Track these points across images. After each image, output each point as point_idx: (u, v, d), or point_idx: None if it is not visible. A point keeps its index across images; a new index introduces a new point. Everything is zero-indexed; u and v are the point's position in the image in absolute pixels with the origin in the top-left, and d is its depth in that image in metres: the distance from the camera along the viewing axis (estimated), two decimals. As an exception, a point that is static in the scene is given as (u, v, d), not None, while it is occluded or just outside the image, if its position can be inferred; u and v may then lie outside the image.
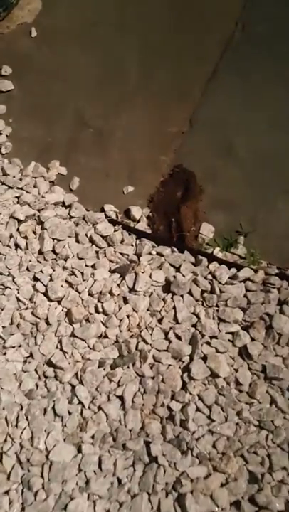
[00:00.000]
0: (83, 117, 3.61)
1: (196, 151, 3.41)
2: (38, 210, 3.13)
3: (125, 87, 3.69)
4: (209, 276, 2.91)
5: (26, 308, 2.88)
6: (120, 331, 2.79)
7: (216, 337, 2.73)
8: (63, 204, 3.21)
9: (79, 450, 2.57)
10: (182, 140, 3.47)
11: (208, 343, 2.71)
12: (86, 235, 3.07)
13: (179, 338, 2.74)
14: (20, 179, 3.25)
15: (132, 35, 3.86)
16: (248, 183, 3.28)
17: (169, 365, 2.70)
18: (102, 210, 3.22)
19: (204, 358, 2.66)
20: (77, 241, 3.06)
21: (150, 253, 3.03)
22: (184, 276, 2.91)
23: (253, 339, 2.71)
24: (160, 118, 3.54)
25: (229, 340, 2.74)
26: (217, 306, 2.81)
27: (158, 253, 3.02)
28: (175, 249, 3.03)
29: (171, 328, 2.76)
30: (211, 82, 3.66)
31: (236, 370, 2.67)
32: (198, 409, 2.59)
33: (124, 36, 3.87)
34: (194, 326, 2.78)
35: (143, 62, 3.75)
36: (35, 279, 2.93)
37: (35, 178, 3.30)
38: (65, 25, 4.01)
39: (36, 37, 4.01)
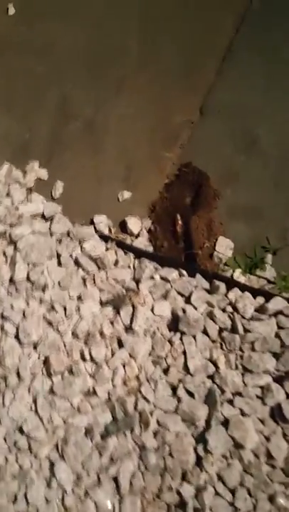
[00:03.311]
0: (70, 106, 2.95)
1: (208, 145, 2.74)
2: (10, 226, 2.45)
3: (122, 69, 3.02)
4: (229, 309, 2.25)
5: (-10, 358, 2.22)
6: (113, 386, 2.14)
7: (240, 394, 2.07)
8: (43, 216, 2.55)
9: None
10: (191, 132, 2.80)
11: (231, 402, 2.06)
12: (71, 255, 2.42)
13: (191, 395, 2.09)
14: (-11, 186, 2.59)
15: (130, 8, 3.17)
16: (277, 185, 2.59)
17: (179, 432, 2.04)
18: (92, 222, 2.55)
19: (225, 423, 2.00)
20: (60, 264, 2.41)
21: (152, 277, 2.37)
22: (195, 308, 2.24)
23: (289, 396, 2.02)
24: (164, 106, 2.88)
25: (258, 397, 2.07)
26: (241, 350, 2.14)
27: (162, 277, 2.36)
28: (184, 273, 2.37)
29: (180, 381, 2.11)
30: (226, 62, 2.96)
31: (267, 439, 2.01)
32: (217, 494, 1.94)
33: (120, 9, 3.18)
34: (211, 377, 2.12)
35: (144, 39, 3.08)
36: (3, 317, 2.27)
37: (9, 184, 2.64)
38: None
39: (14, 15, 3.36)
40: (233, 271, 2.39)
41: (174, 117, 2.83)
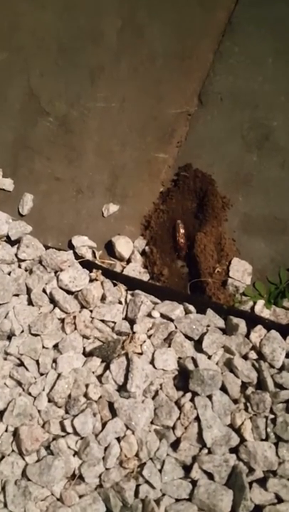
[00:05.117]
0: (39, 101, 2.42)
1: (211, 142, 2.24)
2: None
3: (102, 54, 2.49)
4: (253, 355, 1.75)
5: None
6: (106, 469, 1.61)
7: (274, 472, 1.56)
8: (8, 239, 2.03)
9: None
10: (189, 127, 2.30)
11: (263, 484, 1.55)
12: (44, 290, 1.90)
13: (210, 476, 1.59)
14: None
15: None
16: (300, 188, 2.11)
17: (196, 529, 1.52)
18: (71, 245, 2.04)
19: (258, 515, 1.49)
20: (30, 302, 1.88)
21: (150, 315, 1.85)
22: (209, 357, 1.72)
23: None
24: (153, 96, 2.37)
25: (298, 475, 1.57)
26: (272, 412, 1.63)
27: (163, 315, 1.85)
28: (191, 308, 1.86)
29: (194, 458, 1.60)
30: (225, 38, 2.45)
31: (315, 533, 1.50)
32: None
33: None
34: (235, 452, 1.62)
35: (127, 17, 2.56)
36: None
37: None
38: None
39: None
40: (254, 302, 1.89)
41: (166, 109, 2.33)
